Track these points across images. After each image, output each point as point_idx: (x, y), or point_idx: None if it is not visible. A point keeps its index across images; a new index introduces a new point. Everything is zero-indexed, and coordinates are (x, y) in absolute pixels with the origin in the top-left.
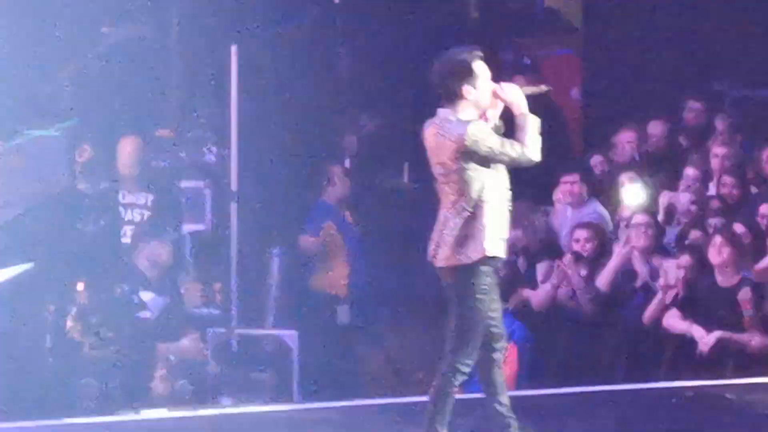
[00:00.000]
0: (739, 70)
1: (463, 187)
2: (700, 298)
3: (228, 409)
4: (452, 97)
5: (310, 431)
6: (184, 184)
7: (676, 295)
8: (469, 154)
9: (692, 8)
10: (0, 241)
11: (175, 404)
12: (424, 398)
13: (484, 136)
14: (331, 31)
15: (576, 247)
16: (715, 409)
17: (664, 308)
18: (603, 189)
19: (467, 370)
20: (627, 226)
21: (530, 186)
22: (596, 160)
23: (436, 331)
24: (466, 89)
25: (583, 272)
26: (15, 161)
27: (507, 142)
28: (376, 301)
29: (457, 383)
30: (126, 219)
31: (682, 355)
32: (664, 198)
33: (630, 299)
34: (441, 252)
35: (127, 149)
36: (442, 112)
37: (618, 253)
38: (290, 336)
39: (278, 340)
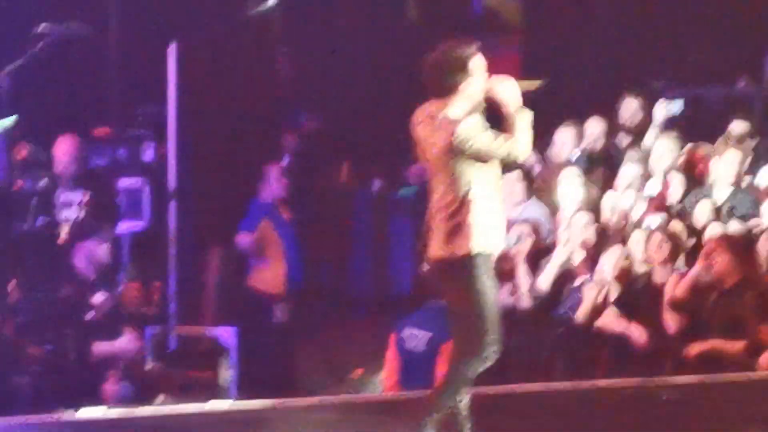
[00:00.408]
0: (676, 69)
1: (452, 182)
2: (637, 297)
3: (166, 407)
4: (446, 91)
5: (247, 429)
6: (122, 182)
7: (610, 294)
8: (458, 151)
9: (631, 6)
10: None
11: (113, 403)
12: (361, 395)
13: (475, 134)
14: (271, 30)
15: (514, 245)
16: (651, 407)
17: (600, 307)
18: (542, 187)
19: (492, 359)
20: (567, 225)
21: None
22: (535, 159)
23: (373, 327)
24: (462, 84)
25: (525, 271)
26: None
27: (497, 141)
28: (313, 298)
29: (475, 372)
30: (63, 217)
31: (619, 354)
32: (607, 197)
33: (570, 298)
34: (432, 246)
35: (64, 147)
36: (433, 106)
37: (558, 252)
38: (228, 334)
39: (216, 338)
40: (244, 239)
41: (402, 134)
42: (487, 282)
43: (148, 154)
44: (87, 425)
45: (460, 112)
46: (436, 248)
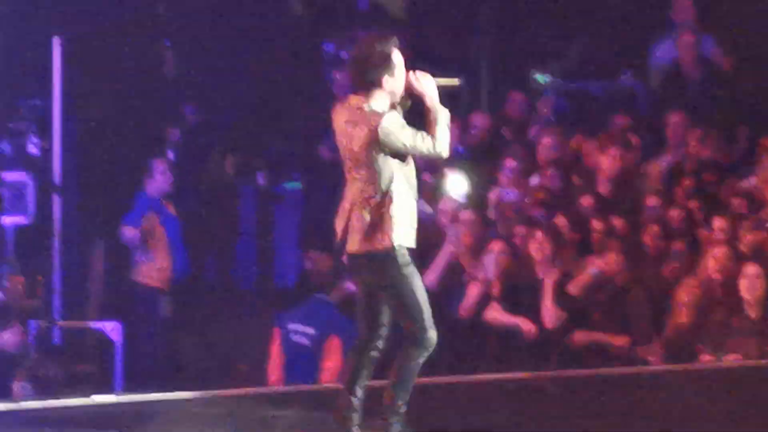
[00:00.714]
0: (560, 63)
1: (372, 177)
2: (520, 291)
3: (50, 401)
4: (368, 85)
5: (132, 423)
6: (6, 175)
7: (494, 288)
8: (380, 146)
9: (513, 2)
10: None
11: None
12: (250, 389)
13: (397, 129)
14: (155, 24)
15: None
16: (536, 401)
17: (486, 302)
18: (426, 185)
19: (433, 343)
20: (453, 221)
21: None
22: None
23: (257, 320)
24: (385, 79)
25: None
26: None
27: (419, 136)
28: (197, 292)
29: (422, 360)
30: None
31: (505, 348)
32: (493, 193)
33: (457, 294)
34: (351, 239)
35: None
36: (354, 100)
37: (445, 249)
38: (113, 328)
39: (101, 332)
40: (128, 233)
41: (287, 128)
42: (411, 272)
43: (32, 148)
44: None
45: (383, 105)
46: (356, 242)
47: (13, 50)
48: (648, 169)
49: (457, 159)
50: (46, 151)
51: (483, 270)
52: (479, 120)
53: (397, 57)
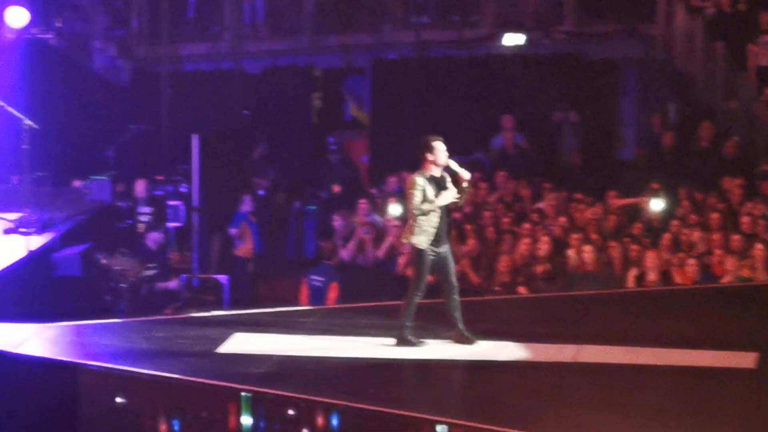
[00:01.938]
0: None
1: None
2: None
3: (195, 314)
4: (423, 157)
5: (235, 325)
6: (170, 203)
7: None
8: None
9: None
10: None
11: None
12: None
13: (411, 188)
14: (247, 126)
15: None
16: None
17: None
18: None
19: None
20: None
21: None
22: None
23: (295, 274)
24: (428, 156)
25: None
26: None
27: (416, 199)
28: (266, 260)
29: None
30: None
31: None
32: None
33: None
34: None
35: None
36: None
37: (386, 240)
38: (224, 278)
39: (217, 280)
40: (232, 231)
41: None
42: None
43: (183, 188)
44: None
45: (422, 173)
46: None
47: (175, 141)
48: (490, 198)
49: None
50: (189, 191)
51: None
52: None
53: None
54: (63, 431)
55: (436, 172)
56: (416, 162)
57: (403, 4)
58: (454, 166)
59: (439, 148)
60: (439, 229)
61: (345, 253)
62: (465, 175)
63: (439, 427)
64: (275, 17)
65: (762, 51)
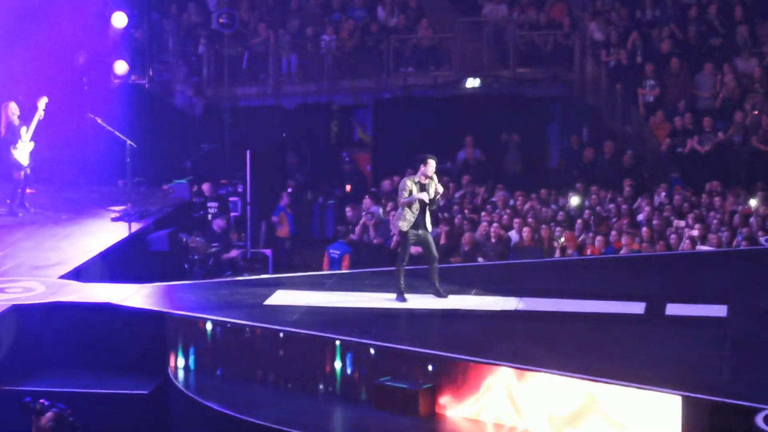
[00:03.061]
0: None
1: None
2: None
3: (246, 277)
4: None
5: (276, 286)
6: (231, 199)
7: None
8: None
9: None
10: None
11: None
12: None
13: (402, 187)
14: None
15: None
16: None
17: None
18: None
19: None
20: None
21: None
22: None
23: (320, 248)
24: (422, 166)
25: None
26: None
27: (404, 194)
28: (299, 239)
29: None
30: None
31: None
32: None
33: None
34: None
35: None
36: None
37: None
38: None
39: (275, 254)
40: (274, 219)
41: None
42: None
43: (240, 188)
44: None
45: (415, 176)
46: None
47: (234, 156)
48: (456, 195)
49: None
50: (244, 190)
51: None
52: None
53: (431, 162)
54: (154, 361)
55: (423, 179)
56: (410, 169)
57: (394, 58)
58: (435, 180)
59: (431, 163)
60: (418, 218)
61: (354, 234)
62: (439, 189)
63: None
64: (304, 68)
65: (648, 91)
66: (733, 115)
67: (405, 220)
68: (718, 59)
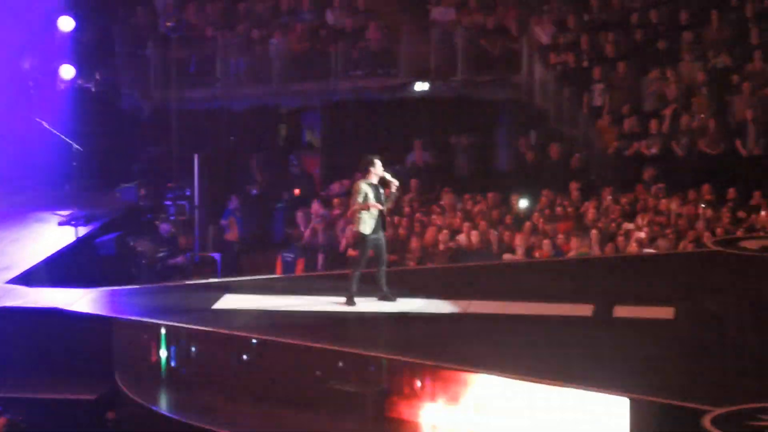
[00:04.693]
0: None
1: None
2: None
3: (199, 281)
4: (365, 170)
5: (226, 288)
6: (178, 207)
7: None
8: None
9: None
10: None
11: None
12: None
13: (356, 190)
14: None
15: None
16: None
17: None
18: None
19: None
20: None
21: None
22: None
23: (273, 252)
24: (371, 168)
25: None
26: None
27: (359, 198)
28: (247, 243)
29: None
30: None
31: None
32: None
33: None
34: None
35: None
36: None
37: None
38: (217, 255)
39: (213, 257)
40: (223, 222)
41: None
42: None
43: (189, 191)
44: None
45: (365, 179)
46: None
47: (182, 159)
48: (405, 198)
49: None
50: (192, 194)
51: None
52: None
53: (378, 162)
54: (101, 365)
55: (375, 180)
56: (359, 172)
57: (343, 61)
58: (387, 176)
59: (378, 163)
60: (376, 220)
61: (304, 238)
62: (395, 182)
63: None
64: (253, 70)
65: (595, 95)
66: (679, 119)
67: (365, 224)
68: (664, 63)
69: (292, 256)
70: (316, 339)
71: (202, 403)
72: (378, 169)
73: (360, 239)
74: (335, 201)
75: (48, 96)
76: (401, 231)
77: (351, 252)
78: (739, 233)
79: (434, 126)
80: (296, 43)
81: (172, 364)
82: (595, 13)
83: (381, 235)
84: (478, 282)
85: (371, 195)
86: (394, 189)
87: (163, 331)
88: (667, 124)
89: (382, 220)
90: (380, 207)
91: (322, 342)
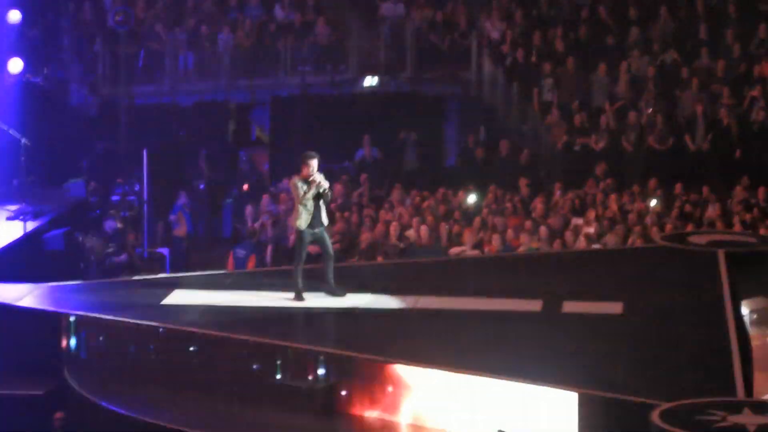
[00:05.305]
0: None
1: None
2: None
3: (148, 276)
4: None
5: (175, 285)
6: (127, 203)
7: None
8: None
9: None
10: None
11: None
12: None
13: (292, 188)
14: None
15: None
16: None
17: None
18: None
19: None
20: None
21: None
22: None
23: (224, 248)
24: (305, 165)
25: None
26: None
27: (299, 192)
28: (195, 239)
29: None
30: None
31: None
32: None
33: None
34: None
35: None
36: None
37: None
38: (165, 251)
39: (161, 253)
40: (172, 218)
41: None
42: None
43: (138, 187)
44: None
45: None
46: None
47: (130, 154)
48: (354, 194)
49: None
50: (141, 189)
51: None
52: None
53: (313, 159)
54: (48, 362)
55: (313, 176)
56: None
57: (292, 56)
58: (317, 177)
59: (312, 162)
60: (314, 215)
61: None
62: (324, 184)
63: None
64: (201, 66)
65: (545, 91)
66: (627, 114)
67: (301, 218)
68: (612, 59)
69: (244, 252)
70: (264, 335)
71: (151, 398)
72: (309, 169)
73: (297, 234)
74: (283, 196)
75: None
76: (348, 226)
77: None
78: (688, 228)
79: (383, 121)
80: (245, 38)
81: (121, 359)
82: (544, 9)
83: (321, 230)
84: (426, 277)
85: (307, 191)
86: (323, 189)
87: (109, 325)
88: (615, 120)
89: (322, 214)
90: (321, 186)
91: (270, 337)
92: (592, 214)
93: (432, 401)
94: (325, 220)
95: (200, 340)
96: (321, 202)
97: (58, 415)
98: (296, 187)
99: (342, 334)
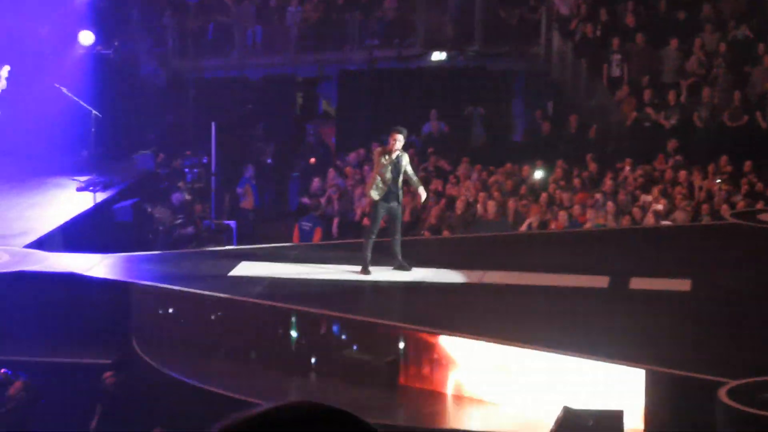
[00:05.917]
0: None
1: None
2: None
3: (216, 248)
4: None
5: (242, 257)
6: (193, 173)
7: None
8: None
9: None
10: None
11: None
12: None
13: (377, 156)
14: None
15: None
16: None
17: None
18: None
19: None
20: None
21: None
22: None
23: (291, 221)
24: (391, 138)
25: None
26: None
27: (382, 162)
28: (262, 212)
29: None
30: None
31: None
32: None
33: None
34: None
35: None
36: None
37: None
38: (233, 223)
39: (228, 225)
40: (239, 190)
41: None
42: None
43: (206, 160)
44: None
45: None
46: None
47: (198, 127)
48: (421, 168)
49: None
50: (209, 162)
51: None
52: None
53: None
54: (116, 331)
55: (397, 151)
56: (375, 142)
57: (359, 30)
58: (413, 179)
59: (397, 135)
60: (389, 190)
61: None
62: (422, 194)
63: None
64: (269, 40)
65: (613, 66)
66: (701, 90)
67: (377, 189)
68: (683, 34)
69: (309, 224)
70: (331, 307)
71: (216, 369)
72: (394, 143)
73: (372, 206)
74: (348, 170)
75: (66, 62)
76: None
77: (366, 221)
78: (758, 206)
79: (450, 96)
80: (312, 12)
81: (187, 329)
82: None
83: (395, 204)
84: (493, 252)
85: (388, 167)
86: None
87: (176, 296)
88: (685, 96)
89: (398, 189)
90: (422, 194)
91: (336, 311)
92: (660, 190)
93: (497, 376)
94: (400, 197)
95: (266, 312)
96: (400, 178)
97: (108, 374)
98: (378, 157)
99: (409, 309)
